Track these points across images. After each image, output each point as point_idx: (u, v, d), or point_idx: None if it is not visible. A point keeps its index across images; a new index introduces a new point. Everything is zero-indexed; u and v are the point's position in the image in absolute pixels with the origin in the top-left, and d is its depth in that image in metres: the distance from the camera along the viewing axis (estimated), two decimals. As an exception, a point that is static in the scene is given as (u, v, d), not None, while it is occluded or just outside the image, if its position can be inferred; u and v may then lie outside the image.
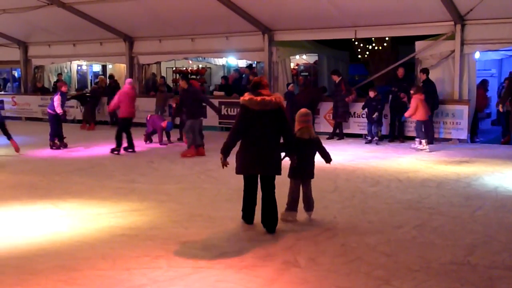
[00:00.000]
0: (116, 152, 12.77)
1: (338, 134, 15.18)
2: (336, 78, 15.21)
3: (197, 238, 6.33)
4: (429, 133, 13.19)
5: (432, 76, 13.97)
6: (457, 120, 13.93)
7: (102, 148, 13.85)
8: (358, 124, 15.32)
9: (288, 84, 16.23)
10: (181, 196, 8.54)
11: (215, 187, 9.15)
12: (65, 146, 14.07)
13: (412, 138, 13.80)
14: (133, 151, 12.99)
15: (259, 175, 6.70)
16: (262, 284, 4.99)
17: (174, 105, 15.60)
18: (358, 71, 22.71)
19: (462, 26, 14.01)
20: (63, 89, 14.12)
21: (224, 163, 6.67)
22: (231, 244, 6.12)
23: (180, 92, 13.89)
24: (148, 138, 14.62)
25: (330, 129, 15.71)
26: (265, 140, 6.55)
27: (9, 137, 12.80)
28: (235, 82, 18.84)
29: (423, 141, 12.73)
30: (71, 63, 23.56)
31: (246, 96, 6.62)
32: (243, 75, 18.76)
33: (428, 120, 12.94)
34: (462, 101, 14.02)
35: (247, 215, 6.92)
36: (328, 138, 14.91)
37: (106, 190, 8.98)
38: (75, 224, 7.01)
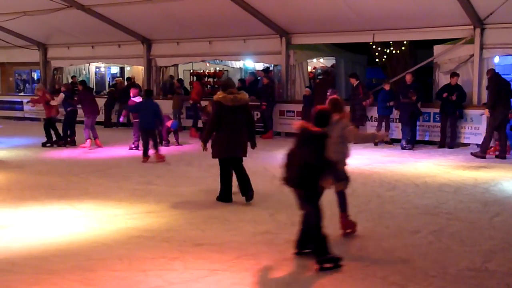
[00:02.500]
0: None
1: None
2: (354, 81, 15.09)
3: (213, 241, 6.34)
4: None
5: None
6: (475, 125, 13.79)
7: (119, 149, 13.94)
8: (374, 127, 15.23)
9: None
10: (198, 198, 8.56)
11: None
12: (73, 143, 14.73)
13: (423, 143, 14.19)
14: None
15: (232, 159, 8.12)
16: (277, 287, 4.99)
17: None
18: (375, 75, 22.55)
19: (482, 30, 13.88)
20: (62, 89, 15.56)
21: (205, 149, 8.22)
22: (247, 247, 6.12)
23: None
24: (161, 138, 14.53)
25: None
26: (236, 130, 7.98)
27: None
28: (252, 85, 18.84)
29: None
30: (89, 65, 23.73)
31: (220, 94, 8.00)
32: (259, 78, 18.78)
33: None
34: (481, 106, 13.88)
35: (227, 194, 8.17)
36: None
37: (123, 192, 9.03)
38: (92, 225, 7.07)
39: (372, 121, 15.25)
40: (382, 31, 15.65)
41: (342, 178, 6.34)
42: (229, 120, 7.91)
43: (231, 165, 8.16)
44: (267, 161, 11.99)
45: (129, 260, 5.66)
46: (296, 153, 5.64)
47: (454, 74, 13.77)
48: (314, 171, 5.52)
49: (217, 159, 8.24)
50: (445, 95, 13.51)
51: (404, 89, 14.25)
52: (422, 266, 5.49)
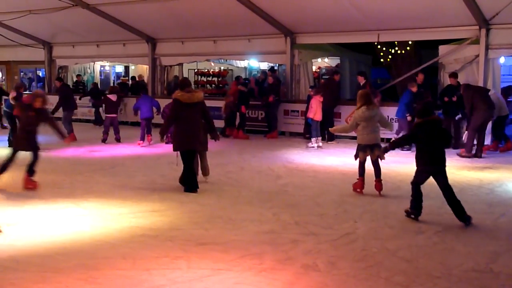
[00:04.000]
0: None
1: None
2: (362, 80, 14.87)
3: (217, 240, 6.35)
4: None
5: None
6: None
7: (124, 148, 13.96)
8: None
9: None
10: (202, 197, 8.56)
11: (236, 189, 9.16)
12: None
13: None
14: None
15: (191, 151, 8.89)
16: (281, 287, 4.99)
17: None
18: (380, 75, 22.53)
19: (487, 31, 13.83)
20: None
21: (163, 141, 9.54)
22: (250, 246, 6.12)
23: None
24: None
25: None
26: (192, 125, 8.72)
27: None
28: (259, 84, 18.77)
29: (318, 139, 14.16)
30: (94, 63, 23.78)
31: (178, 92, 8.81)
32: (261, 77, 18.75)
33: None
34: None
35: (192, 184, 8.83)
36: None
37: (127, 190, 9.05)
38: (96, 223, 7.08)
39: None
40: (387, 31, 15.63)
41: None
42: (186, 116, 8.68)
43: (192, 156, 8.92)
44: (271, 161, 12.00)
45: (133, 259, 5.67)
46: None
47: (452, 75, 13.73)
48: None
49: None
50: (446, 99, 13.43)
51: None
52: (426, 266, 5.48)
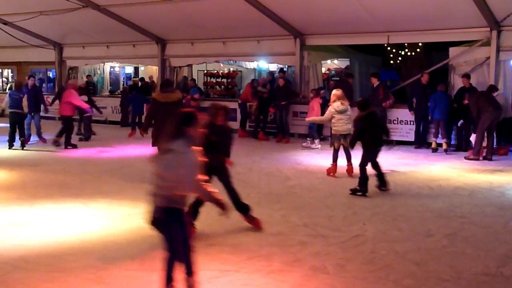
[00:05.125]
0: None
1: None
2: (375, 81, 14.73)
3: (225, 241, 6.34)
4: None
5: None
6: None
7: (133, 149, 14.00)
8: (390, 130, 15.10)
9: (319, 89, 16.18)
10: (210, 198, 8.54)
11: (244, 191, 9.08)
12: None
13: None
14: None
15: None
16: (289, 289, 4.98)
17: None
18: (390, 77, 22.45)
19: (498, 32, 13.73)
20: None
21: (143, 135, 10.50)
22: (259, 248, 6.11)
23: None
24: None
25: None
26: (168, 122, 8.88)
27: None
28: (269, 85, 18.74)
29: (316, 140, 14.28)
30: (104, 64, 23.87)
31: (157, 92, 10.18)
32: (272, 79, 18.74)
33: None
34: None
35: None
36: None
37: (136, 191, 9.04)
38: (105, 224, 7.10)
39: (393, 123, 15.04)
40: (397, 33, 15.56)
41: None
42: (162, 114, 9.16)
43: None
44: (280, 162, 11.99)
45: (142, 260, 5.68)
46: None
47: (465, 75, 13.66)
48: None
49: None
50: (465, 102, 13.24)
51: (420, 90, 14.16)
52: (435, 269, 5.45)
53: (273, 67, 21.09)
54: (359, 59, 19.72)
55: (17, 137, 13.86)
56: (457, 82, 14.34)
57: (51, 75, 25.78)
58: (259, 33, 17.34)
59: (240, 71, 23.59)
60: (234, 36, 18.07)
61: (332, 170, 10.44)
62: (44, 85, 26.37)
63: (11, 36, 20.98)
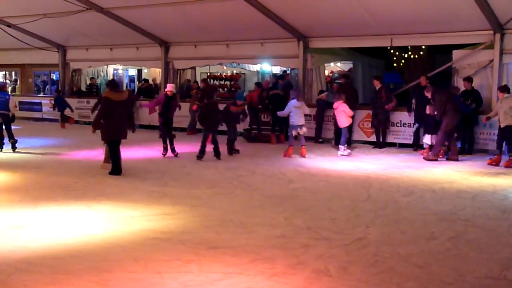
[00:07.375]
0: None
1: (380, 143, 14.93)
2: (378, 84, 14.80)
3: (229, 244, 6.34)
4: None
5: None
6: (494, 131, 13.61)
7: (135, 151, 14.01)
8: (393, 133, 15.15)
9: (320, 92, 16.18)
10: (213, 201, 8.57)
11: (248, 193, 9.16)
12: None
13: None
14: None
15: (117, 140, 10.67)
16: (292, 292, 4.97)
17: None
18: (393, 80, 22.46)
19: (502, 35, 13.73)
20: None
21: (93, 132, 10.67)
22: (262, 251, 6.11)
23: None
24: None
25: (364, 137, 15.58)
26: (119, 119, 10.48)
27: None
28: (270, 89, 18.73)
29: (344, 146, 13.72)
30: (107, 67, 23.94)
31: (108, 91, 10.66)
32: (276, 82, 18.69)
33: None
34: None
35: (117, 168, 10.60)
36: (374, 147, 14.82)
37: (139, 193, 9.07)
38: (108, 226, 7.11)
39: (396, 126, 15.04)
40: (400, 36, 15.57)
41: None
42: (114, 112, 10.37)
43: (118, 145, 10.65)
44: (283, 165, 11.98)
45: (145, 262, 5.68)
46: None
47: (466, 79, 13.65)
48: None
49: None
50: (467, 102, 13.27)
51: (419, 92, 14.14)
52: (438, 273, 5.44)
53: (276, 69, 21.12)
54: (363, 62, 19.73)
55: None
56: (460, 85, 14.32)
57: (54, 77, 25.85)
58: (262, 35, 17.36)
59: (243, 73, 23.64)
60: (238, 39, 18.10)
61: (289, 153, 13.05)
62: (48, 87, 26.47)
63: (15, 38, 21.07)
